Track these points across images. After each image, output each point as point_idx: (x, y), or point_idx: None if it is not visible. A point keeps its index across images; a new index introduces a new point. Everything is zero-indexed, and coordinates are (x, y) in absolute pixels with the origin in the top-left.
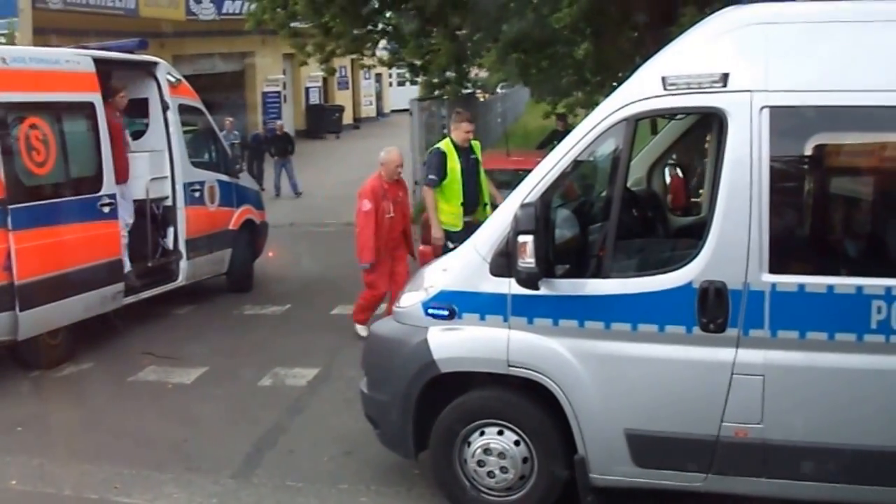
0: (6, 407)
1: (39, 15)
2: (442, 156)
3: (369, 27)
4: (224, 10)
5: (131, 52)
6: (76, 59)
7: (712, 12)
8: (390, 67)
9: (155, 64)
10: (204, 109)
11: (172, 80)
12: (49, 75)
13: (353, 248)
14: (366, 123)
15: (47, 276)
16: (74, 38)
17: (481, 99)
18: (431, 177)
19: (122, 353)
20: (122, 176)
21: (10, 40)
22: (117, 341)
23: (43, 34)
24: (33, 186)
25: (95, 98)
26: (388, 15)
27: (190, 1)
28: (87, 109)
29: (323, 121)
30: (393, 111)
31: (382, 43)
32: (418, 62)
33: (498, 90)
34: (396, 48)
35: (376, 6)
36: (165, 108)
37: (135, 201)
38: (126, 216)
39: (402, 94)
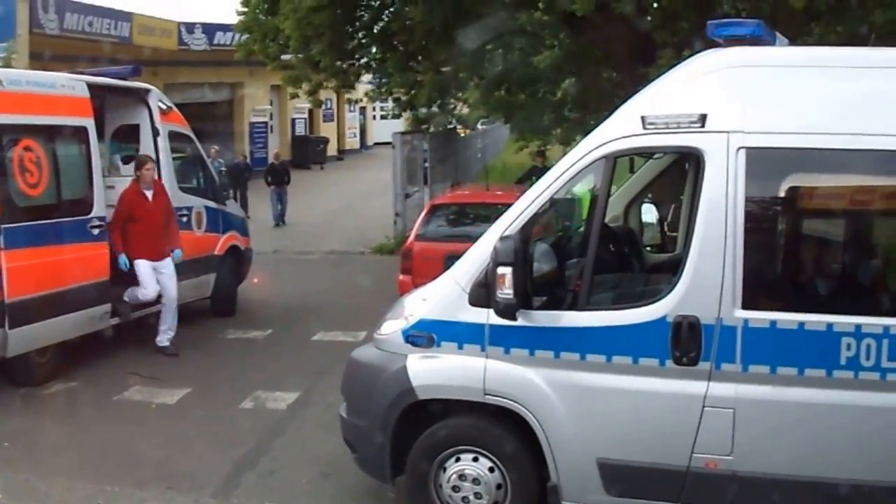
0: None
1: (36, 40)
2: None
3: (353, 61)
4: (215, 41)
5: (125, 78)
6: (71, 83)
7: (690, 54)
8: (374, 101)
9: (147, 91)
10: (193, 137)
11: (163, 107)
12: (44, 99)
13: (337, 275)
14: (350, 155)
15: (37, 296)
16: (70, 63)
17: (462, 134)
18: None
19: (108, 373)
20: (163, 251)
21: (7, 63)
22: (103, 361)
23: (39, 59)
24: (26, 207)
25: (88, 123)
26: (373, 50)
27: (182, 31)
28: (80, 133)
29: (308, 151)
30: (376, 144)
31: (367, 77)
32: (403, 97)
33: (478, 126)
34: (380, 81)
35: (362, 41)
36: (156, 134)
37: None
38: (168, 289)
39: (386, 128)
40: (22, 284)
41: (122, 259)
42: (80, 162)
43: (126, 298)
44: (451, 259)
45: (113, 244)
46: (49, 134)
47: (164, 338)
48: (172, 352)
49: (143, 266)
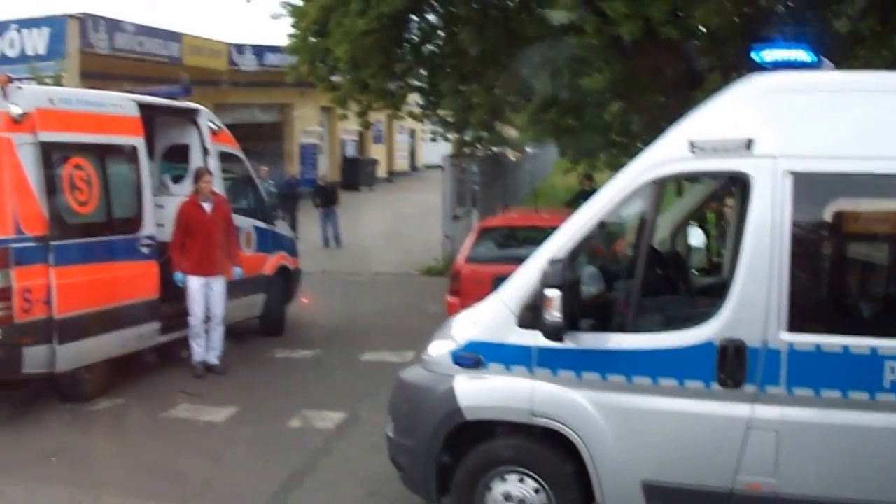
0: (42, 437)
1: (87, 59)
2: None
3: (402, 83)
4: (265, 62)
5: (175, 98)
6: (121, 102)
7: (737, 79)
8: (421, 121)
9: (197, 111)
10: (243, 157)
11: (214, 127)
12: (94, 117)
13: (385, 296)
14: (399, 177)
15: (85, 312)
16: (120, 82)
17: (511, 158)
18: None
19: (155, 390)
20: (216, 266)
21: (58, 82)
22: (152, 378)
23: (90, 78)
24: (75, 224)
25: (139, 142)
26: (423, 73)
27: (232, 51)
28: (130, 152)
29: (358, 173)
30: (426, 166)
31: (415, 98)
32: (451, 119)
33: (527, 150)
34: (428, 102)
35: (411, 64)
36: (206, 154)
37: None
38: (216, 308)
39: (435, 150)
40: (71, 301)
41: (178, 277)
42: (130, 180)
43: (195, 361)
44: (499, 281)
45: (172, 261)
46: (99, 152)
47: (212, 355)
48: (220, 370)
49: (193, 285)
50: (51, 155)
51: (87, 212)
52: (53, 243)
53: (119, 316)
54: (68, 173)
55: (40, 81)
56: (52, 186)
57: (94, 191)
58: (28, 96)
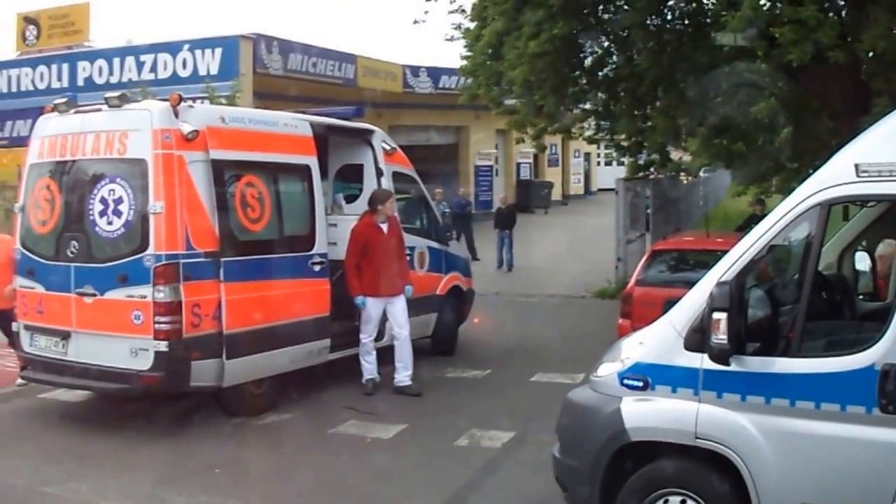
0: (207, 449)
1: (260, 80)
2: None
3: (574, 106)
4: (440, 85)
5: (348, 119)
6: (294, 122)
7: None
8: (593, 143)
9: (371, 132)
10: (417, 178)
11: (387, 147)
12: (266, 136)
13: (557, 318)
14: (574, 200)
15: (255, 328)
16: (293, 103)
17: (684, 182)
18: None
19: (323, 407)
20: (394, 286)
21: (232, 101)
22: (320, 395)
23: (263, 98)
24: (246, 241)
25: (311, 161)
26: (598, 96)
27: (407, 74)
28: (302, 171)
29: (532, 195)
30: (600, 189)
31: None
32: (625, 143)
33: (700, 174)
34: (599, 125)
35: (585, 87)
36: (380, 174)
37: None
38: (402, 323)
39: (609, 174)
40: (240, 317)
41: (360, 300)
42: (302, 199)
43: (365, 379)
44: (670, 304)
45: (349, 285)
46: (271, 171)
47: (404, 376)
48: (415, 391)
49: (371, 307)
50: (222, 172)
51: (258, 229)
52: (224, 259)
53: (288, 332)
54: (240, 191)
55: (214, 101)
56: (223, 203)
57: (266, 208)
58: (199, 115)
